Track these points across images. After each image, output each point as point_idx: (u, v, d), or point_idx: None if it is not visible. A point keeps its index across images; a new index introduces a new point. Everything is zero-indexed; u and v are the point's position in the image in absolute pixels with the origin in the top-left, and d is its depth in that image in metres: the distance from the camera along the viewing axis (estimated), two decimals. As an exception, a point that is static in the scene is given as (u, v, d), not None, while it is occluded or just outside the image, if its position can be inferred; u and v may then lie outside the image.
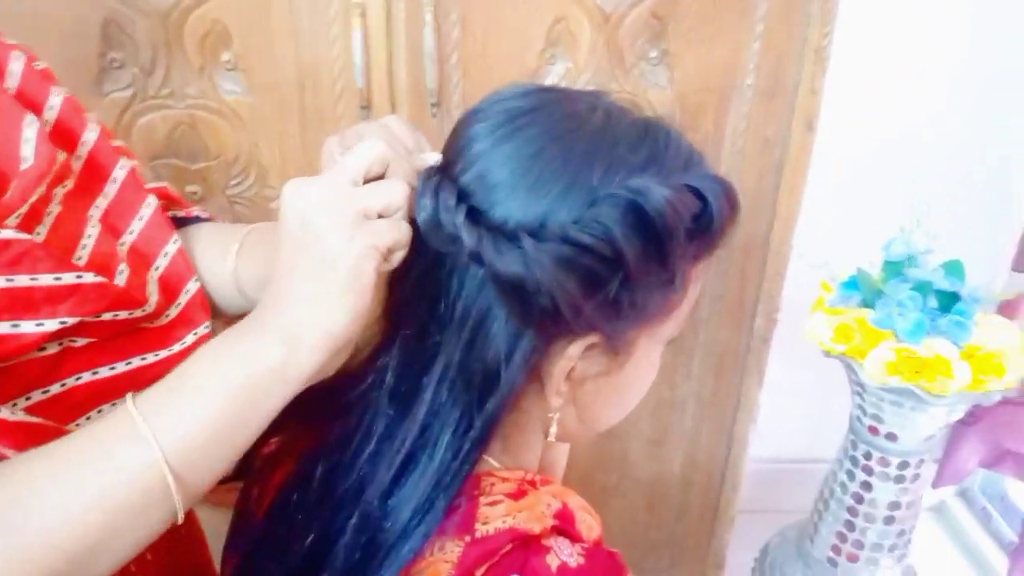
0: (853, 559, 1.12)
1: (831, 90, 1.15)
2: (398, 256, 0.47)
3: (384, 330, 0.53)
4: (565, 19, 1.07)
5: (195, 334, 0.60)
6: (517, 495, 0.49)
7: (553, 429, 0.53)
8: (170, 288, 0.60)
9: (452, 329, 0.48)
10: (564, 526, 0.49)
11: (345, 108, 1.10)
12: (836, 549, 1.14)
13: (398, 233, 0.46)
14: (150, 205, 0.61)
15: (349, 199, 0.45)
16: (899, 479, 1.06)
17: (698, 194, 0.48)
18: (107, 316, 0.53)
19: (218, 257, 0.64)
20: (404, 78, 1.09)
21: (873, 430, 1.05)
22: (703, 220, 0.49)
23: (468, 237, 0.45)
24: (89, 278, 0.51)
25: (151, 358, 0.58)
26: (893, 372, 0.96)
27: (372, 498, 0.48)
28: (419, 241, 0.48)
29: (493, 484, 0.50)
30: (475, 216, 0.46)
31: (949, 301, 0.97)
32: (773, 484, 1.77)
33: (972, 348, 0.95)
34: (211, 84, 1.07)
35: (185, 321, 0.60)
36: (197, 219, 0.71)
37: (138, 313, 0.56)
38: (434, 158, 0.51)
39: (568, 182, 0.46)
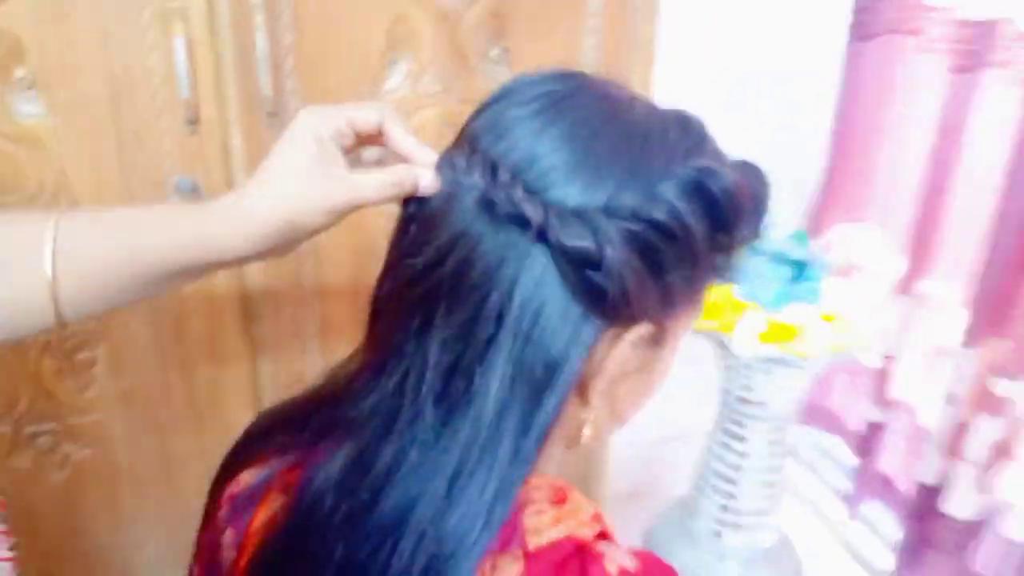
0: (737, 528, 1.17)
1: (659, 82, 1.20)
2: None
3: (387, 336, 0.47)
4: (405, 18, 1.03)
5: None
6: (559, 501, 0.45)
7: (587, 431, 0.49)
8: None
9: (509, 320, 0.43)
10: (604, 528, 0.46)
11: (169, 123, 0.99)
12: (720, 521, 1.18)
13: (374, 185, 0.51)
14: None
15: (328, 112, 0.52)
16: (772, 443, 1.12)
17: (757, 177, 0.49)
18: None
19: (4, 270, 0.51)
20: (234, 87, 1.00)
21: (744, 400, 1.10)
22: (761, 203, 0.49)
23: (534, 212, 0.42)
24: None
25: None
26: (761, 341, 1.01)
27: (425, 516, 0.42)
28: (441, 232, 0.45)
29: (528, 492, 0.46)
30: (533, 194, 0.43)
31: (800, 268, 1.03)
32: (642, 466, 1.81)
33: (828, 315, 1.02)
34: (2, 107, 0.92)
35: None
36: None
37: None
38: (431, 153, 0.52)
39: (631, 163, 0.45)
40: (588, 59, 1.14)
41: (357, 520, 0.45)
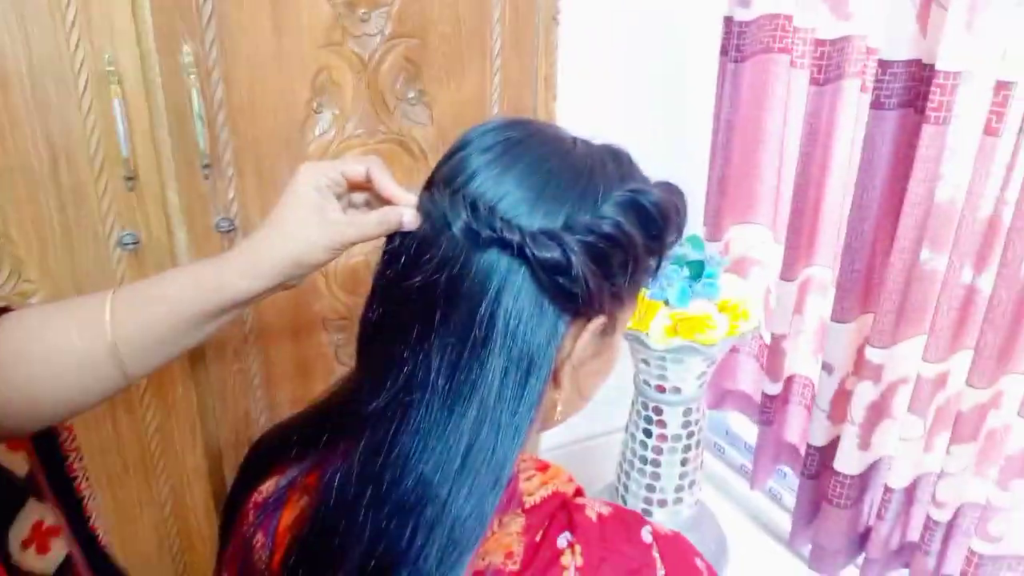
0: (663, 504, 1.30)
1: (562, 113, 1.32)
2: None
3: (387, 348, 0.55)
4: (327, 68, 1.12)
5: None
6: (542, 468, 0.56)
7: (560, 408, 0.59)
8: None
9: (499, 324, 0.53)
10: (578, 486, 0.56)
11: (109, 180, 1.03)
12: (647, 500, 1.31)
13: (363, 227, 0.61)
14: None
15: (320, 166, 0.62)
16: (686, 424, 1.25)
17: (676, 193, 0.61)
18: None
19: (71, 336, 0.60)
20: (169, 143, 1.06)
21: (660, 388, 1.23)
22: (681, 212, 0.61)
23: (511, 236, 0.53)
24: None
25: None
26: (671, 334, 1.14)
27: (443, 488, 0.51)
28: (432, 257, 0.54)
29: (518, 463, 0.55)
30: (508, 222, 0.54)
31: (699, 268, 1.17)
32: (573, 463, 1.92)
33: (723, 302, 1.16)
34: (-58, 175, 0.95)
35: None
36: None
37: None
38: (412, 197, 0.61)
39: (580, 192, 0.57)
40: (496, 95, 1.25)
41: (381, 501, 0.53)
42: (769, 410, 1.65)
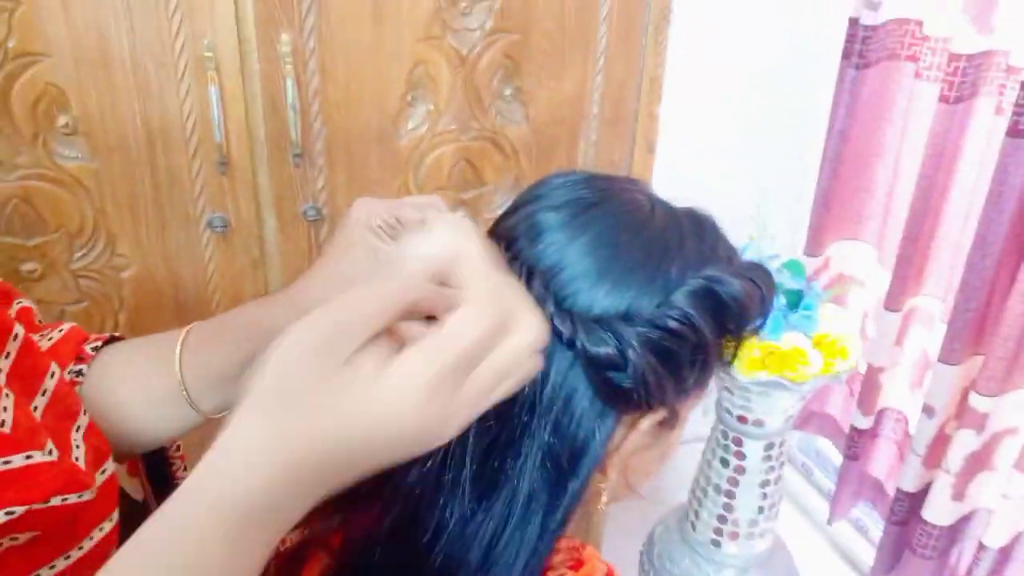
0: (734, 537, 1.24)
1: (665, 117, 1.25)
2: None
3: None
4: (424, 63, 1.09)
5: (101, 529, 0.54)
6: (576, 566, 0.51)
7: (604, 498, 0.55)
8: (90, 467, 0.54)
9: (539, 412, 0.49)
10: None
11: (202, 165, 1.04)
12: (718, 531, 1.25)
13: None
14: (54, 375, 0.54)
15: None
16: (767, 459, 1.19)
17: (756, 284, 0.53)
18: (55, 501, 0.48)
19: (149, 371, 0.60)
20: (263, 131, 1.05)
21: (742, 419, 1.17)
22: (765, 302, 0.54)
23: (563, 326, 0.47)
24: (39, 457, 0.46)
25: (75, 553, 0.52)
26: (758, 367, 1.08)
27: None
28: None
29: (549, 557, 0.51)
30: (560, 304, 0.48)
31: (796, 298, 1.10)
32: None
33: (819, 336, 1.09)
34: (46, 152, 0.97)
35: (100, 508, 0.54)
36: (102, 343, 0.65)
37: (85, 497, 0.50)
38: None
39: (649, 274, 0.50)
40: (597, 96, 1.20)
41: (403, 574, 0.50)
42: (857, 444, 1.56)
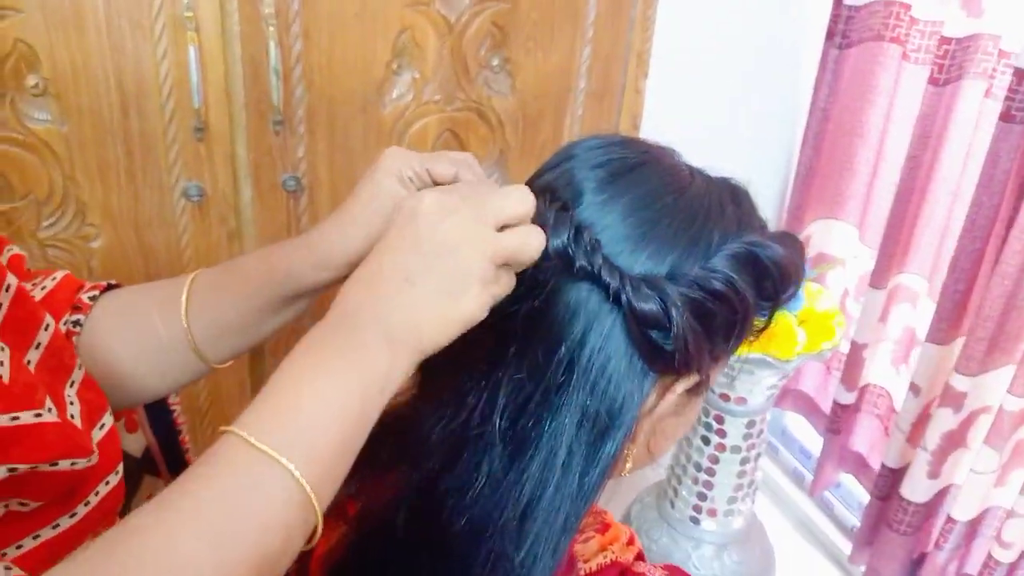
0: (713, 514, 1.25)
1: (651, 92, 1.24)
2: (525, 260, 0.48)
3: (451, 377, 0.50)
4: (410, 29, 1.06)
5: (107, 483, 0.52)
6: (603, 529, 0.50)
7: (629, 465, 0.54)
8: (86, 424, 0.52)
9: (578, 371, 0.48)
10: (640, 550, 0.51)
11: (178, 131, 1.00)
12: (697, 508, 1.26)
13: (531, 249, 0.47)
14: (48, 327, 0.52)
15: (494, 241, 0.46)
16: (747, 436, 1.19)
17: (795, 246, 0.53)
18: (64, 465, 0.45)
19: (153, 319, 0.57)
20: (242, 95, 1.02)
21: (725, 397, 1.17)
22: (800, 270, 0.53)
23: (611, 278, 0.47)
24: (47, 417, 0.43)
25: (81, 510, 0.50)
26: (745, 346, 1.07)
27: (498, 543, 0.47)
28: (526, 282, 0.48)
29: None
30: (608, 261, 0.48)
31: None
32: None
33: (804, 313, 1.09)
34: (14, 113, 0.92)
35: (103, 464, 0.51)
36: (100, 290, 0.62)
37: (93, 461, 0.48)
38: None
39: (692, 237, 0.50)
40: (584, 69, 1.18)
41: (426, 543, 0.48)
42: (840, 419, 1.58)
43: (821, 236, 1.60)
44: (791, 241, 0.54)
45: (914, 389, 1.37)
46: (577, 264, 0.48)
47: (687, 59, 1.47)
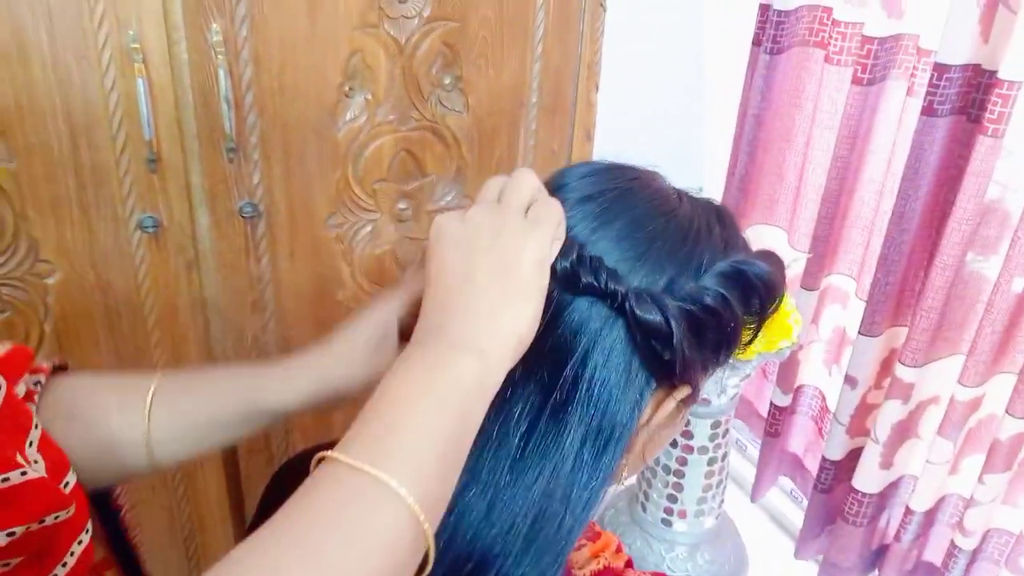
0: (684, 515, 1.27)
1: (603, 103, 1.26)
2: (561, 233, 0.51)
3: None
4: (361, 51, 1.06)
5: (80, 543, 0.51)
6: (594, 537, 0.52)
7: (626, 474, 0.56)
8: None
9: (582, 387, 0.50)
10: (628, 557, 0.53)
11: (130, 162, 0.99)
12: (668, 510, 1.28)
13: (557, 211, 0.50)
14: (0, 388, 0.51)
15: (506, 210, 0.49)
16: (713, 436, 1.21)
17: (778, 264, 0.57)
18: (48, 520, 0.45)
19: (110, 411, 0.57)
20: (194, 124, 1.01)
21: (689, 399, 1.19)
22: (783, 285, 0.57)
23: (618, 287, 0.50)
24: (34, 474, 0.43)
25: (60, 571, 0.49)
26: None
27: (506, 555, 0.48)
28: None
29: None
30: (613, 272, 0.51)
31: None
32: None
33: (762, 315, 1.12)
34: (-42, 152, 0.91)
35: (76, 520, 0.51)
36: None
37: (71, 513, 0.47)
38: None
39: (684, 256, 0.53)
40: (536, 84, 1.19)
41: (436, 567, 0.49)
42: (778, 422, 1.61)
43: (756, 242, 1.64)
44: (774, 259, 0.58)
45: (850, 381, 1.40)
46: (584, 281, 0.50)
47: (635, 70, 1.50)
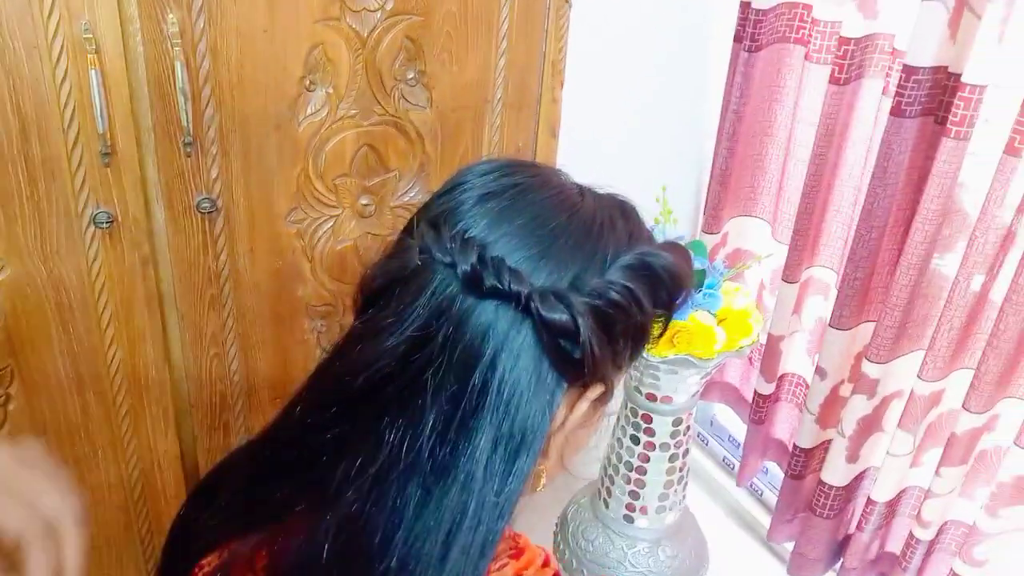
0: (645, 511, 1.27)
1: (568, 99, 1.25)
2: None
3: (355, 410, 0.50)
4: (322, 44, 1.04)
5: None
6: (516, 554, 0.51)
7: (543, 480, 0.55)
8: None
9: (491, 392, 0.48)
10: (556, 570, 0.52)
11: (83, 156, 0.96)
12: (630, 507, 1.28)
13: None
14: None
15: None
16: (675, 433, 1.22)
17: (684, 255, 0.56)
18: None
19: None
20: (149, 117, 0.99)
21: (651, 397, 1.20)
22: (689, 277, 0.56)
23: (521, 288, 0.48)
24: None
25: None
26: (668, 347, 1.10)
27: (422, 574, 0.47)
28: (433, 310, 0.49)
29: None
30: (516, 274, 0.49)
31: (700, 277, 1.13)
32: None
33: (723, 312, 1.12)
34: (-99, 144, 0.88)
35: None
36: None
37: None
38: None
39: (588, 252, 0.52)
40: (500, 79, 1.18)
41: None
42: (762, 409, 1.62)
43: (737, 233, 1.65)
44: (679, 250, 0.57)
45: (820, 372, 1.42)
46: (487, 284, 0.49)
47: (602, 67, 1.49)
